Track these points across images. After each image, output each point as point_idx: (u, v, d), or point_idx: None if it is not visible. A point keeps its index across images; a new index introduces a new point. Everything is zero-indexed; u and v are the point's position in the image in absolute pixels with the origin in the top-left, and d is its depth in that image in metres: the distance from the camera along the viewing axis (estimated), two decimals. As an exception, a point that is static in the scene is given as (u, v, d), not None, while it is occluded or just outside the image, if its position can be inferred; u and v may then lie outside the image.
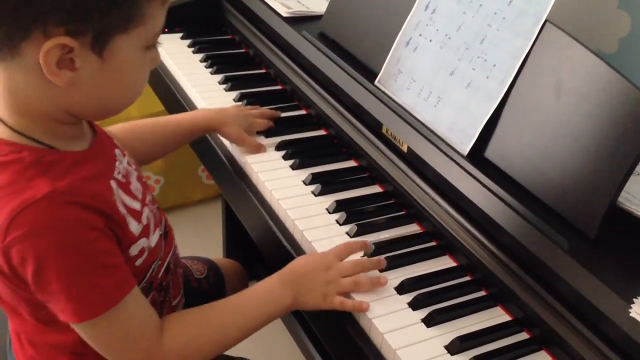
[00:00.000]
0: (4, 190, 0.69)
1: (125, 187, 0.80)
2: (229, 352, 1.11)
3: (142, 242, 0.81)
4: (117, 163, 0.82)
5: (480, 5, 0.98)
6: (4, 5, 0.64)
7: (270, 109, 1.24)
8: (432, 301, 0.87)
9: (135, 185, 0.83)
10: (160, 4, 0.72)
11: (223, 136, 1.15)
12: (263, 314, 0.85)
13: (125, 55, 0.71)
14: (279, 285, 0.87)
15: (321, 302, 0.86)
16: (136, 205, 0.81)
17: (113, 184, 0.78)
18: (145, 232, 0.82)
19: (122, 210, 0.77)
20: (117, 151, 0.85)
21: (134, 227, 0.79)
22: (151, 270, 0.85)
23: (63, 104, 0.72)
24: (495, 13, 0.96)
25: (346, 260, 0.89)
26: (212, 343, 0.83)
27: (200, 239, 1.98)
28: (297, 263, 0.90)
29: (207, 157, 1.27)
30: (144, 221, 0.82)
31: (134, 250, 0.80)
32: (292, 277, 0.87)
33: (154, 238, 0.85)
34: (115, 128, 1.01)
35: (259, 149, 1.13)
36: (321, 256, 0.90)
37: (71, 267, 0.70)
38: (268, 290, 0.87)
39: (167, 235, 0.91)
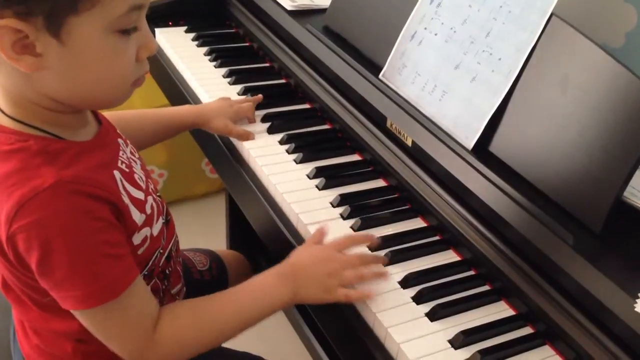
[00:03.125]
0: (11, 178, 0.70)
1: (129, 176, 0.80)
2: (232, 346, 1.11)
3: (145, 232, 0.81)
4: (120, 152, 0.82)
5: (486, -2, 0.98)
6: None
7: (273, 102, 1.24)
8: (436, 295, 0.87)
9: (138, 175, 0.84)
10: None
11: (210, 131, 1.16)
12: (259, 309, 0.84)
13: (87, 39, 0.69)
14: (277, 281, 0.85)
15: (323, 296, 0.85)
16: (140, 195, 0.81)
17: (117, 174, 0.78)
18: (148, 222, 0.82)
19: (126, 200, 0.77)
20: (120, 141, 0.85)
21: (137, 216, 0.79)
22: (153, 258, 0.85)
23: (44, 91, 0.72)
24: (501, 6, 0.96)
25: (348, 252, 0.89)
26: (208, 333, 0.83)
27: (204, 232, 1.98)
28: (296, 257, 0.88)
29: (211, 151, 1.27)
30: (148, 211, 0.82)
31: (136, 239, 0.80)
32: (290, 272, 0.86)
33: (157, 227, 0.85)
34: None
35: (247, 136, 1.14)
36: (320, 249, 0.89)
37: (75, 256, 0.71)
38: (266, 286, 0.86)
39: (168, 223, 0.91)
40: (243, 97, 1.25)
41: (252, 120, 1.19)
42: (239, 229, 1.80)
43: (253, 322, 0.85)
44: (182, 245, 1.06)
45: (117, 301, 0.74)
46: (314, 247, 0.90)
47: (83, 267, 0.71)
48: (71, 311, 0.76)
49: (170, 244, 0.91)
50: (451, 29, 1.02)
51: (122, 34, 0.71)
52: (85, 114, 0.80)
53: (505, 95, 0.93)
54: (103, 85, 0.74)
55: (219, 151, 1.19)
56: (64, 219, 0.69)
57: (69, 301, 0.74)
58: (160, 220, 0.87)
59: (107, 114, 1.01)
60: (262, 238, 1.09)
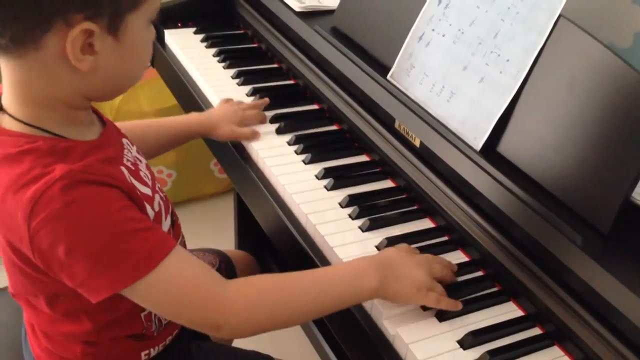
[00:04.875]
0: (22, 178, 0.70)
1: (135, 173, 0.81)
2: (241, 345, 1.12)
3: None
4: (125, 151, 0.83)
5: (494, -1, 0.98)
6: (25, 2, 0.66)
7: (281, 102, 1.25)
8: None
9: (144, 172, 0.85)
10: None
11: (216, 139, 1.17)
12: (345, 291, 0.81)
13: (136, 33, 0.74)
14: (367, 266, 0.82)
15: (414, 293, 0.82)
16: (147, 191, 0.82)
17: (124, 169, 0.79)
18: (158, 219, 0.83)
19: (139, 192, 0.78)
20: (124, 141, 0.86)
21: (149, 211, 0.80)
22: None
23: (82, 88, 0.74)
24: (509, 8, 0.96)
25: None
26: (284, 307, 0.79)
27: (212, 232, 1.99)
28: (387, 251, 0.88)
29: (219, 152, 1.27)
30: (156, 207, 0.83)
31: None
32: (382, 262, 0.83)
33: (166, 225, 0.86)
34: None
35: (254, 137, 1.15)
36: (419, 255, 0.88)
37: (101, 239, 0.70)
38: (354, 268, 0.83)
39: (174, 224, 0.92)
40: (249, 101, 1.26)
41: (263, 122, 1.20)
42: (247, 229, 1.81)
43: (335, 303, 0.81)
44: (191, 246, 1.07)
45: (162, 268, 0.72)
46: (408, 250, 0.89)
47: (111, 247, 0.71)
48: (122, 293, 0.73)
49: None
50: (459, 30, 1.02)
51: (150, 23, 0.77)
52: (91, 112, 0.82)
53: (514, 96, 0.93)
54: (136, 72, 0.79)
55: (228, 152, 1.19)
56: (80, 205, 0.69)
57: (105, 287, 0.71)
58: (169, 219, 0.88)
59: (120, 124, 1.02)
60: (271, 238, 1.10)
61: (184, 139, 1.15)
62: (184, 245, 0.97)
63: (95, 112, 0.84)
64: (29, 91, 0.73)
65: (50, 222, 0.69)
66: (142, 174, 0.84)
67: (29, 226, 0.69)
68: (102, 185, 0.72)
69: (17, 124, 0.74)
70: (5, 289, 0.89)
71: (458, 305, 0.84)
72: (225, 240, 1.89)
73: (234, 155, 1.17)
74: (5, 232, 0.74)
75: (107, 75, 0.74)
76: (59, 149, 0.73)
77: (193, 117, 1.20)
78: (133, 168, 0.82)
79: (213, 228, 2.03)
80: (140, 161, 0.87)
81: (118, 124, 1.04)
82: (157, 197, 0.85)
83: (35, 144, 0.72)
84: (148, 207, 0.80)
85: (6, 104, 0.75)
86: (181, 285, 0.75)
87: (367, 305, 0.87)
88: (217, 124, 1.15)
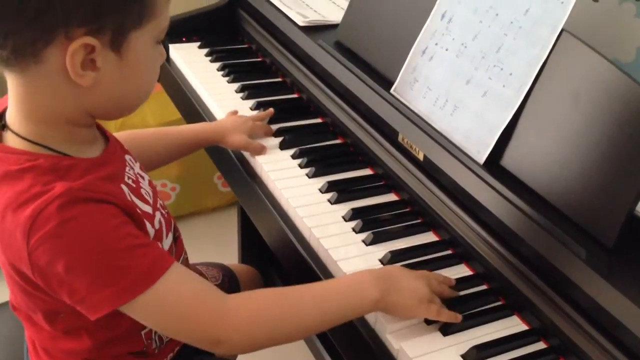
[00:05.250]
0: (22, 196, 0.70)
1: (135, 191, 0.81)
2: (245, 357, 1.11)
3: None
4: (127, 169, 0.83)
5: (497, 14, 0.98)
6: (26, 12, 0.66)
7: (285, 116, 1.26)
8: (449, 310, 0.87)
9: (145, 190, 0.84)
10: None
11: (227, 146, 1.17)
12: (346, 304, 0.81)
13: (140, 52, 0.73)
14: (368, 278, 0.82)
15: (415, 305, 0.82)
16: (148, 209, 0.82)
17: (124, 187, 0.79)
18: (158, 236, 0.83)
19: (139, 210, 0.78)
20: (127, 157, 0.86)
21: (149, 229, 0.80)
22: None
23: (85, 105, 0.74)
24: (512, 22, 0.96)
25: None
26: (286, 320, 0.79)
27: (216, 246, 1.99)
28: (386, 266, 0.90)
29: (224, 165, 1.28)
30: (157, 225, 0.83)
31: None
32: (383, 274, 0.84)
33: (167, 242, 0.86)
34: (118, 135, 1.02)
35: (262, 150, 1.16)
36: (409, 269, 0.88)
37: (99, 256, 0.70)
38: (355, 281, 0.83)
39: (177, 240, 0.92)
40: (255, 113, 1.26)
41: (269, 134, 1.21)
42: (251, 242, 1.81)
43: (337, 316, 0.81)
44: (194, 260, 1.07)
45: (161, 285, 0.72)
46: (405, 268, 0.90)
47: (110, 264, 0.70)
48: (121, 310, 0.73)
49: (180, 261, 0.91)
50: (462, 44, 1.02)
51: (158, 44, 0.76)
52: (95, 129, 0.82)
53: (517, 110, 0.94)
54: (142, 92, 0.78)
55: (232, 166, 1.20)
56: (78, 222, 0.69)
57: (105, 304, 0.71)
58: (170, 236, 0.87)
59: (122, 133, 1.02)
60: (275, 252, 1.10)
61: (194, 147, 1.15)
62: (186, 260, 0.97)
63: (99, 127, 0.84)
64: (32, 106, 0.73)
65: (49, 239, 0.68)
66: (143, 191, 0.83)
67: (28, 244, 0.69)
68: (101, 202, 0.72)
69: (21, 141, 0.74)
70: (7, 303, 0.89)
71: (458, 318, 0.84)
72: (229, 254, 1.89)
73: (237, 169, 1.18)
74: (5, 250, 0.74)
75: (109, 92, 0.74)
76: (61, 167, 0.73)
77: (204, 124, 1.21)
78: (134, 185, 0.82)
79: (216, 242, 2.03)
80: (143, 178, 0.86)
81: (127, 132, 1.05)
82: (157, 214, 0.84)
83: (36, 162, 0.72)
84: (148, 225, 0.80)
85: (10, 120, 0.75)
86: (180, 301, 0.74)
87: (371, 319, 0.87)
88: (229, 131, 1.15)
